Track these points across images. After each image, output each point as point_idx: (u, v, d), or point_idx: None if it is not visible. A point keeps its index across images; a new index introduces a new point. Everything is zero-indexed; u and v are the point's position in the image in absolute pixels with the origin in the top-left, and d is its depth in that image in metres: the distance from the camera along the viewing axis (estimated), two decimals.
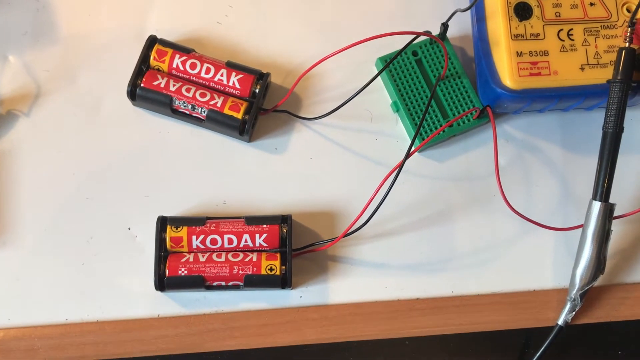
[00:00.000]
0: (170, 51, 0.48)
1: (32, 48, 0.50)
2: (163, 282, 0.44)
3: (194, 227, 0.45)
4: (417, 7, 0.52)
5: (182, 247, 0.45)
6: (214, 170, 0.48)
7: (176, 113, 0.48)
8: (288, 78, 0.50)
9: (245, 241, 0.45)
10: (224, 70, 0.48)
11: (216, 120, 0.47)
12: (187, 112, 0.47)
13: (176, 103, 0.47)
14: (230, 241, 0.45)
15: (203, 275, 0.44)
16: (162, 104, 0.47)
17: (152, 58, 0.48)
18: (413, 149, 0.45)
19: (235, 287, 0.45)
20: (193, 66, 0.48)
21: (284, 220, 0.46)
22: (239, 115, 0.47)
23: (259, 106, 0.48)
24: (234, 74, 0.48)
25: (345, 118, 0.50)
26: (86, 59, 0.50)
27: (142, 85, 0.47)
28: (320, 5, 0.52)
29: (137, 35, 0.50)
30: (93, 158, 0.48)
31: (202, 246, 0.45)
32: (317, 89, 0.50)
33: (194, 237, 0.45)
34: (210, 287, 0.45)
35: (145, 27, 0.51)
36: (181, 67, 0.48)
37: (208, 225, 0.45)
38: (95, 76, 0.49)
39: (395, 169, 0.44)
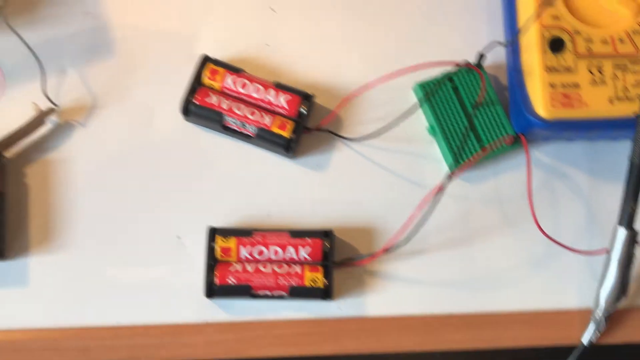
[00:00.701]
0: (222, 70, 0.51)
1: (90, 61, 0.52)
2: (213, 290, 0.47)
3: (242, 238, 0.48)
4: (451, 34, 0.55)
5: (231, 256, 0.48)
6: (260, 185, 0.51)
7: (226, 129, 0.50)
8: (331, 99, 0.53)
9: (290, 253, 0.48)
10: (272, 91, 0.50)
11: (264, 138, 0.50)
12: (237, 129, 0.50)
13: (227, 120, 0.50)
14: (275, 253, 0.48)
15: (250, 284, 0.47)
16: (214, 120, 0.50)
17: (205, 76, 0.51)
18: (452, 172, 0.48)
19: (280, 297, 0.47)
20: (244, 85, 0.50)
21: (326, 235, 0.49)
22: (286, 134, 0.50)
23: (304, 125, 0.50)
24: (282, 94, 0.50)
25: (383, 139, 0.52)
26: (140, 74, 0.52)
27: (195, 102, 0.50)
28: (362, 32, 0.54)
29: (189, 53, 0.53)
30: (145, 169, 0.51)
31: (249, 257, 0.48)
32: (357, 111, 0.53)
33: (241, 248, 0.48)
34: (256, 296, 0.47)
35: (196, 45, 0.53)
36: (232, 86, 0.50)
37: (255, 236, 0.48)
38: (149, 90, 0.52)
39: (435, 192, 0.47)
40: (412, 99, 0.53)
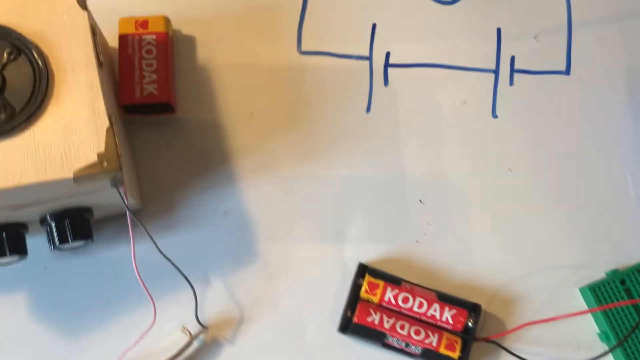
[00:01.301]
0: (382, 283, 0.47)
1: (233, 268, 0.48)
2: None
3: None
4: (611, 229, 0.51)
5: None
6: None
7: (387, 347, 0.47)
8: (493, 301, 0.49)
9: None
10: (436, 305, 0.47)
11: (431, 359, 0.46)
12: (399, 348, 0.46)
13: (389, 340, 0.46)
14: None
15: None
16: (374, 339, 0.46)
17: (363, 290, 0.47)
18: None
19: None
20: (405, 300, 0.47)
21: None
22: (455, 355, 0.46)
23: (472, 338, 0.47)
24: (447, 308, 0.47)
25: (550, 345, 0.48)
26: (287, 283, 0.49)
27: (355, 321, 0.46)
28: (515, 221, 0.51)
29: (337, 258, 0.49)
30: None
31: (393, 301, 0.47)
32: (518, 314, 0.49)
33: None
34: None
35: (344, 248, 0.49)
36: (393, 301, 0.47)
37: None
38: (297, 301, 0.48)
39: None
40: (576, 299, 0.49)
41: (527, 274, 0.50)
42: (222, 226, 0.49)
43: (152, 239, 0.44)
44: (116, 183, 0.42)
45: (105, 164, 0.39)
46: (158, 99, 0.48)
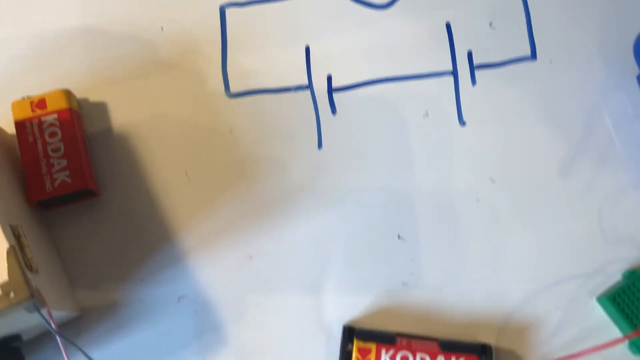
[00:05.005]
0: (374, 346, 0.40)
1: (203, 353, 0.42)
2: None
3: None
4: (615, 225, 0.45)
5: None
6: None
7: None
8: (503, 334, 0.43)
9: None
10: (441, 358, 0.40)
11: None
12: None
13: None
14: None
15: None
16: None
17: (354, 358, 0.40)
18: None
19: None
20: (404, 359, 0.40)
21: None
22: None
23: None
24: (453, 358, 0.40)
25: None
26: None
27: None
28: (508, 237, 0.44)
29: (318, 322, 0.42)
30: None
31: None
32: (534, 342, 0.43)
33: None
34: None
35: (323, 309, 0.43)
36: None
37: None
38: None
39: None
40: (595, 311, 0.43)
41: (534, 294, 0.43)
42: (178, 315, 0.42)
43: (87, 356, 0.37)
44: (35, 307, 0.34)
45: (12, 295, 0.32)
46: (73, 187, 0.41)
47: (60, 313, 0.39)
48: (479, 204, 0.44)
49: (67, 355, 0.36)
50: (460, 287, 0.43)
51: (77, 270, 0.42)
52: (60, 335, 0.36)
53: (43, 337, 0.41)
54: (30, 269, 0.35)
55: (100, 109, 0.45)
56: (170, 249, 0.43)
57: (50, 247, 0.42)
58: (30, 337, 0.40)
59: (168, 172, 0.44)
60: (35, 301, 0.34)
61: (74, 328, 0.39)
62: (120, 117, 0.45)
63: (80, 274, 0.42)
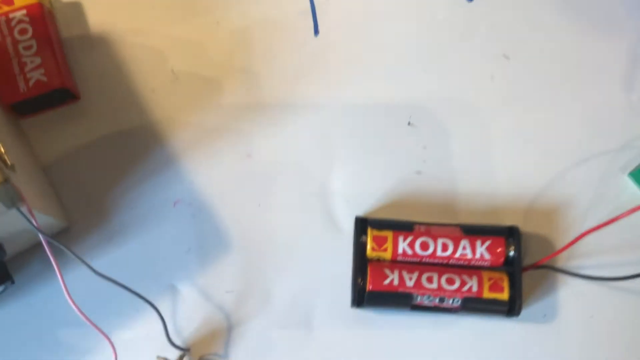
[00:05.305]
0: (390, 234, 0.37)
1: (202, 267, 0.38)
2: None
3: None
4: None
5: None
6: None
7: (417, 309, 0.37)
8: (530, 218, 0.39)
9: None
10: (465, 242, 0.37)
11: (475, 309, 0.36)
12: (433, 306, 0.36)
13: (418, 300, 0.36)
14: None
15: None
16: (400, 304, 0.36)
17: (369, 248, 0.37)
18: None
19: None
20: (424, 246, 0.36)
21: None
22: (504, 296, 0.36)
23: (520, 269, 0.37)
24: (478, 242, 0.37)
25: (611, 251, 0.39)
26: (273, 265, 0.38)
27: (370, 288, 0.36)
28: (529, 115, 0.40)
29: (326, 220, 0.39)
30: None
31: (409, 251, 0.36)
32: (564, 224, 0.39)
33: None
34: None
35: (332, 206, 0.39)
36: (409, 252, 0.36)
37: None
38: (292, 284, 0.38)
39: None
40: (627, 187, 0.39)
41: (561, 174, 0.40)
42: (174, 220, 0.39)
43: (82, 261, 0.33)
44: (13, 201, 0.31)
45: None
46: (50, 86, 0.37)
47: (45, 220, 0.35)
48: (494, 82, 0.41)
49: (55, 260, 0.33)
50: (480, 173, 0.40)
51: (61, 180, 0.39)
52: (43, 233, 0.32)
53: (29, 255, 0.37)
54: (5, 164, 0.32)
55: (76, 9, 0.41)
56: (161, 152, 0.40)
57: (30, 155, 0.38)
58: (15, 251, 0.37)
59: (153, 71, 0.41)
60: (9, 189, 0.30)
61: (63, 240, 0.35)
62: (97, 17, 0.41)
63: (66, 183, 0.39)
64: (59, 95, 0.39)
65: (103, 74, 0.40)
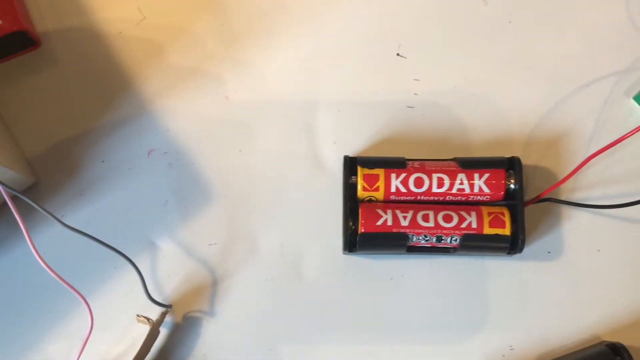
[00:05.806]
0: (381, 172, 0.34)
1: (181, 219, 0.36)
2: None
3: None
4: None
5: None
6: (466, 303, 0.35)
7: (414, 250, 0.34)
8: (530, 148, 0.37)
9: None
10: (461, 175, 0.34)
11: (475, 247, 0.34)
12: (431, 246, 0.34)
13: (413, 239, 0.34)
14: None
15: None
16: (395, 245, 0.34)
17: (359, 188, 0.34)
18: None
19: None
20: (419, 183, 0.34)
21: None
22: (506, 231, 0.33)
23: (522, 203, 0.34)
24: (476, 175, 0.34)
25: (617, 179, 0.36)
26: (259, 213, 0.36)
27: (362, 230, 0.33)
28: (524, 38, 0.38)
29: (312, 161, 0.36)
30: (302, 326, 0.35)
31: (403, 189, 0.34)
32: (566, 154, 0.37)
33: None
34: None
35: (317, 146, 0.36)
36: (403, 189, 0.34)
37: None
38: (280, 232, 0.36)
39: None
40: (633, 111, 0.37)
41: (562, 101, 0.37)
42: (149, 171, 0.36)
43: (51, 215, 0.31)
44: None
45: None
46: (5, 29, 0.34)
47: (9, 175, 0.32)
48: (487, 7, 0.38)
49: (19, 215, 0.30)
50: (476, 104, 0.37)
51: (26, 133, 0.36)
52: (5, 186, 0.29)
53: None
54: None
55: None
56: (131, 98, 0.37)
57: None
58: None
59: (118, 11, 0.37)
60: None
61: (31, 196, 0.32)
62: None
63: (31, 136, 0.36)
64: (17, 41, 0.35)
65: (64, 16, 0.37)
